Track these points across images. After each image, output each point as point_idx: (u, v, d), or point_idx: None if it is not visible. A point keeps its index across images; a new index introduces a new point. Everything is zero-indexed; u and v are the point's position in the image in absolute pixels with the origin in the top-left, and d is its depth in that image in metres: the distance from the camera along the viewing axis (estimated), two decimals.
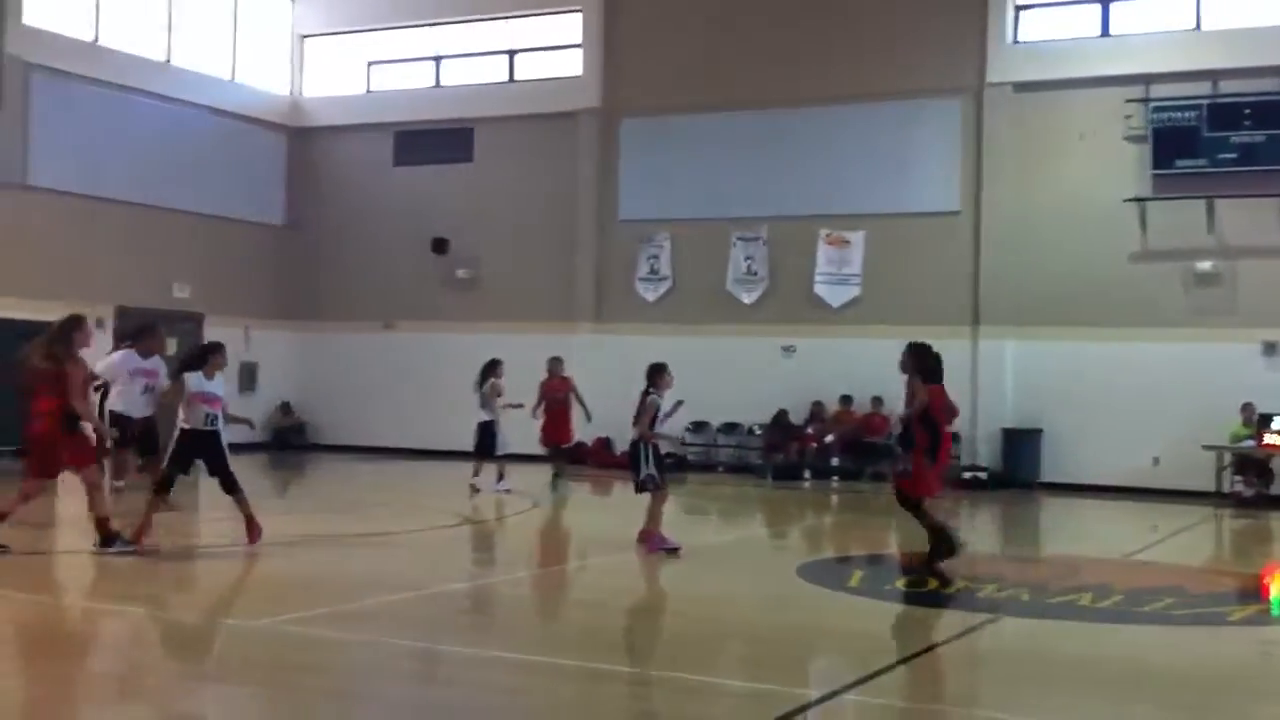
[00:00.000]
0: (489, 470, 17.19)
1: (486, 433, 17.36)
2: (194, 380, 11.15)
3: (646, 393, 11.91)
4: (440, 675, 7.01)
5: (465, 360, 23.86)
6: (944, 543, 10.99)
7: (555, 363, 18.80)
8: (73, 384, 10.32)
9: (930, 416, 11.12)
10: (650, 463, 11.81)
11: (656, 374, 12.00)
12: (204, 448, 11.15)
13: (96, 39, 22.84)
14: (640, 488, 11.85)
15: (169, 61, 24.12)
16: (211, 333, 24.55)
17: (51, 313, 20.30)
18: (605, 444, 23.06)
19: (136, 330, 14.37)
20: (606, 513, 18.02)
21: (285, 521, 14.14)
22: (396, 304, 25.33)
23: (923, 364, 11.24)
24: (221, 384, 11.40)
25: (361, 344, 25.28)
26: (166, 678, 6.81)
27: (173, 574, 10.74)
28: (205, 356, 11.42)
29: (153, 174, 23.25)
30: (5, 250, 20.75)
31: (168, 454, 11.40)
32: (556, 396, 18.54)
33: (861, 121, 22.29)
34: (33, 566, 10.76)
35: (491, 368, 17.64)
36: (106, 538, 10.54)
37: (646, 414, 11.81)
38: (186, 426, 11.11)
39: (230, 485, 11.20)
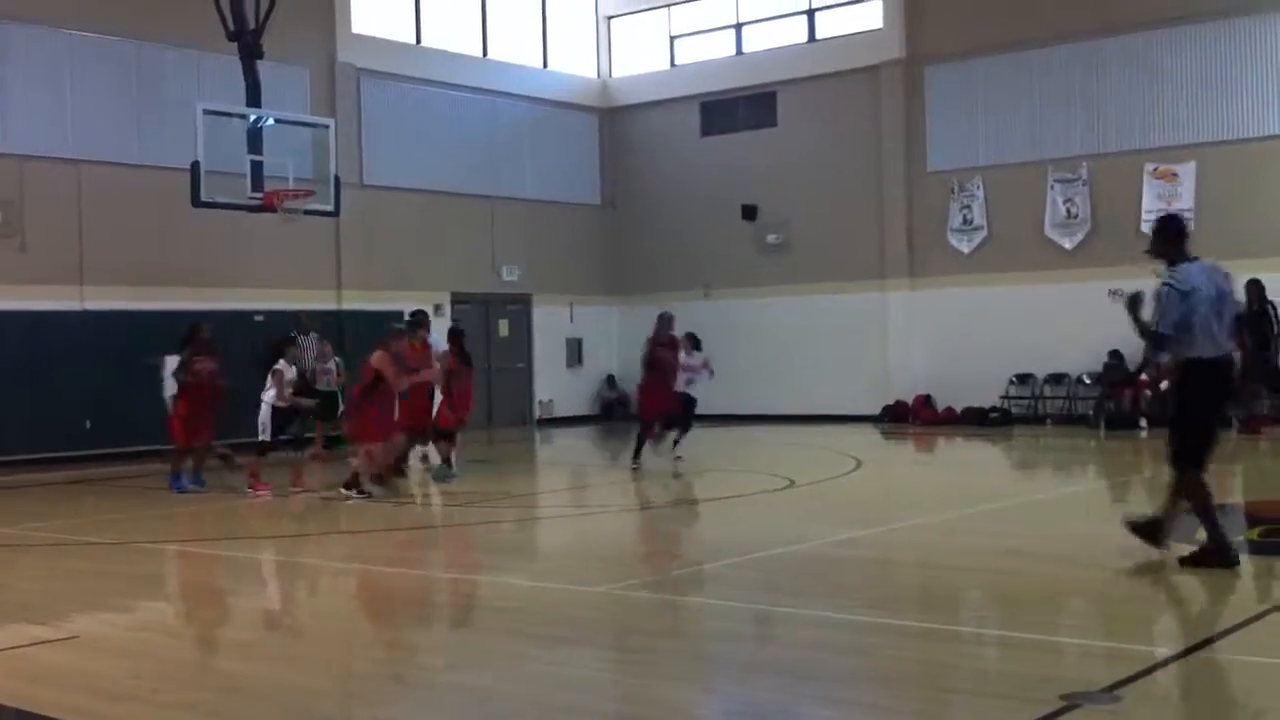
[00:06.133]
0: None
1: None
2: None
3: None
4: (782, 637, 7.19)
5: (781, 324, 24.19)
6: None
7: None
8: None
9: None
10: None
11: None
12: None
13: (419, 40, 24.19)
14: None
15: (486, 56, 25.29)
16: (538, 312, 25.71)
17: (395, 303, 22.00)
18: (926, 400, 22.81)
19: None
20: (931, 470, 17.85)
21: (616, 490, 14.75)
22: (711, 273, 25.73)
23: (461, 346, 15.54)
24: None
25: (679, 314, 25.74)
26: (518, 641, 7.23)
27: (510, 540, 11.39)
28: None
29: (476, 164, 24.48)
30: (350, 248, 22.32)
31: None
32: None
33: (1183, 45, 21.08)
34: (378, 540, 11.65)
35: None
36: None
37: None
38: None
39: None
